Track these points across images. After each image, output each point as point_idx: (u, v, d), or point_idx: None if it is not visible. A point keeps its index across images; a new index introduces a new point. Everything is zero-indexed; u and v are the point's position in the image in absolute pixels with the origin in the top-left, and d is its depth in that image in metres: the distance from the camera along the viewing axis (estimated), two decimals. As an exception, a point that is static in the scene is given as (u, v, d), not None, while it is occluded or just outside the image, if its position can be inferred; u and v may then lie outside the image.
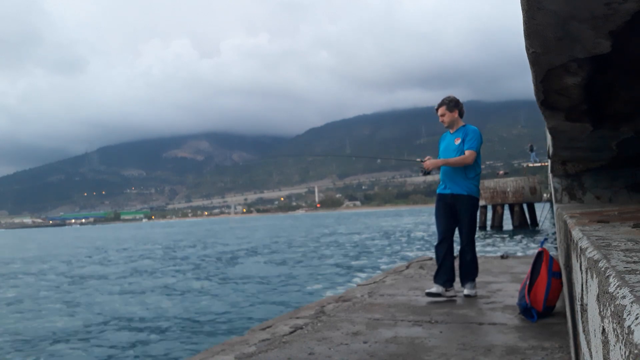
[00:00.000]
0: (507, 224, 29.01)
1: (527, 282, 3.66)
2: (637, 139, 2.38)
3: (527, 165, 35.88)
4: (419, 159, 4.80)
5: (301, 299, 10.22)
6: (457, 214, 4.58)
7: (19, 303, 11.90)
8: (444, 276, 4.58)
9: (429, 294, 4.51)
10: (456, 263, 4.73)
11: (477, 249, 4.89)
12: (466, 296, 4.55)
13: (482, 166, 4.74)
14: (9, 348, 7.58)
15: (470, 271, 4.65)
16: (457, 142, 4.55)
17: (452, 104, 4.61)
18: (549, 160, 4.50)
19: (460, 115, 4.65)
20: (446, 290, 4.54)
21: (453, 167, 4.52)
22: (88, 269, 19.82)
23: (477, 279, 5.42)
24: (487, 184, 29.24)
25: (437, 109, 4.68)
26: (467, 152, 4.47)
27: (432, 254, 11.64)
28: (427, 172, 4.68)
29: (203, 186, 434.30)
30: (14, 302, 12.02)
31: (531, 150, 36.34)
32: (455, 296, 4.56)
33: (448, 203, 4.59)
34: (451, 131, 4.66)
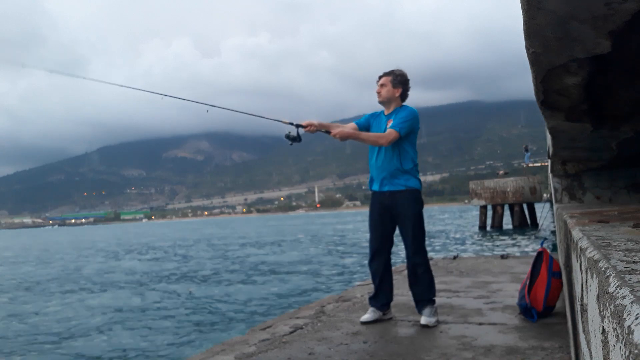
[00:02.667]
0: (507, 224, 29.01)
1: (527, 282, 3.66)
2: (637, 139, 2.38)
3: (527, 165, 35.92)
4: (287, 121, 3.60)
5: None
6: (398, 217, 3.67)
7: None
8: (383, 299, 3.75)
9: (365, 323, 3.67)
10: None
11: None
12: (423, 326, 3.51)
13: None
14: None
15: (425, 290, 3.63)
16: (390, 124, 3.69)
17: (398, 78, 3.72)
18: (549, 160, 4.48)
19: (402, 97, 3.77)
20: (384, 314, 3.78)
21: (386, 158, 3.69)
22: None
23: (478, 279, 5.40)
24: (487, 184, 29.28)
25: (379, 77, 3.80)
26: (388, 131, 3.62)
27: (433, 254, 11.59)
28: (294, 138, 3.54)
29: (203, 186, 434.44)
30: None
31: (526, 150, 36.44)
32: (392, 317, 3.81)
33: (386, 205, 3.69)
34: (386, 112, 3.80)
